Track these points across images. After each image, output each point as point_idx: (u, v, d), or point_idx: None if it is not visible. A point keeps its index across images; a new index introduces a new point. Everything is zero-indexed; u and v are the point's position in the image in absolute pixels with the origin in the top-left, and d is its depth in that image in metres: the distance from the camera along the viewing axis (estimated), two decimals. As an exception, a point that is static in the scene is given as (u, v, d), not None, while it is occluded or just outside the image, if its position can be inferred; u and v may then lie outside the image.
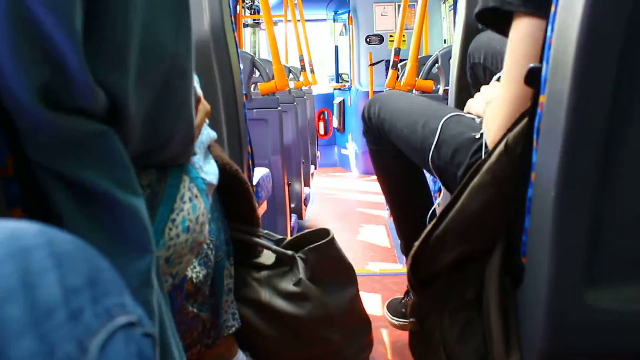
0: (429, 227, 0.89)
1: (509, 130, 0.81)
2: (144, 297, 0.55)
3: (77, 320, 0.31)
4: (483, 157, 0.94)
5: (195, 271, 0.95)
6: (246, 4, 5.63)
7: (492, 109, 0.92)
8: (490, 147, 0.90)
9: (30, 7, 0.45)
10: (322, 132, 6.86)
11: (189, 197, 0.80)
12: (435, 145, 1.16)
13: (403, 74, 2.76)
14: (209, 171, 0.91)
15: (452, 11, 5.15)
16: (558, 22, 0.65)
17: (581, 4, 0.60)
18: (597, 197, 0.68)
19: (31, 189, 0.52)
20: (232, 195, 1.16)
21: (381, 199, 4.13)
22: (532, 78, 0.73)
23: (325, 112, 6.90)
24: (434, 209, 1.54)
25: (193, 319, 0.99)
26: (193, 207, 0.81)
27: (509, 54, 0.87)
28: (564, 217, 0.69)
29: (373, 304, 2.11)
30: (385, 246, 3.21)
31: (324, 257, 1.22)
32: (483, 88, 1.21)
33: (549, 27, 0.67)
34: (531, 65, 0.73)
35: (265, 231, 1.26)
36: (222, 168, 1.04)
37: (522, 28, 0.84)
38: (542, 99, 0.70)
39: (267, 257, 1.27)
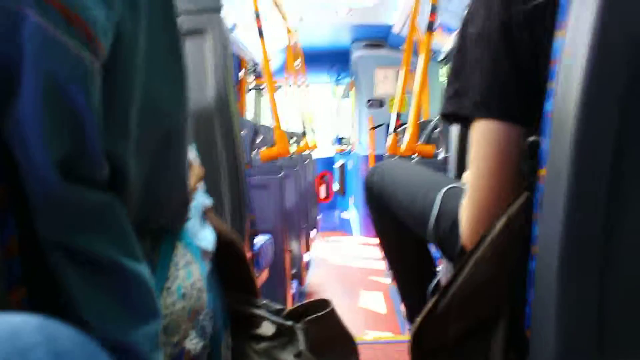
0: (432, 300, 0.88)
1: (509, 205, 0.80)
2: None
3: None
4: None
5: (192, 342, 0.93)
6: (249, 69, 5.74)
7: (463, 206, 0.92)
8: (465, 243, 0.91)
9: (63, 85, 0.47)
10: (322, 195, 6.87)
11: (183, 263, 0.79)
12: (435, 217, 1.17)
13: (404, 138, 2.79)
14: (204, 237, 0.90)
15: (451, 75, 5.22)
16: (557, 98, 0.66)
17: (579, 81, 0.61)
18: (601, 268, 0.67)
19: (36, 267, 0.52)
20: (230, 264, 1.15)
21: (381, 265, 4.12)
22: (531, 152, 0.73)
23: (327, 176, 6.93)
24: (438, 279, 1.53)
25: (191, 394, 0.97)
26: (188, 274, 0.80)
27: (470, 156, 0.88)
28: (568, 289, 0.67)
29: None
30: (385, 313, 3.17)
31: (324, 329, 1.19)
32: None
33: (549, 101, 0.68)
34: (530, 139, 0.73)
35: (265, 301, 1.24)
36: (219, 237, 1.03)
37: (480, 131, 0.85)
38: (543, 172, 0.70)
39: (267, 328, 1.25)
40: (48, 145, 0.47)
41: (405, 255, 1.68)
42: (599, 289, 0.67)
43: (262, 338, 1.22)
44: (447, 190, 1.19)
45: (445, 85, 0.90)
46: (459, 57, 0.87)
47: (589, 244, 0.66)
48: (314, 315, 1.19)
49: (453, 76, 0.88)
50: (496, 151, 0.82)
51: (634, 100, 0.61)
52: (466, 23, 0.86)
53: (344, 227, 6.61)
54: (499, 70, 0.80)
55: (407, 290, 1.75)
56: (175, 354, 0.81)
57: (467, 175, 1.22)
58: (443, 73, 5.83)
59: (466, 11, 0.87)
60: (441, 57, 5.35)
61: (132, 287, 0.55)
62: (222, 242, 1.04)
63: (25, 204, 0.51)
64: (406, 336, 2.31)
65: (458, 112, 0.86)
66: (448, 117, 0.92)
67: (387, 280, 3.71)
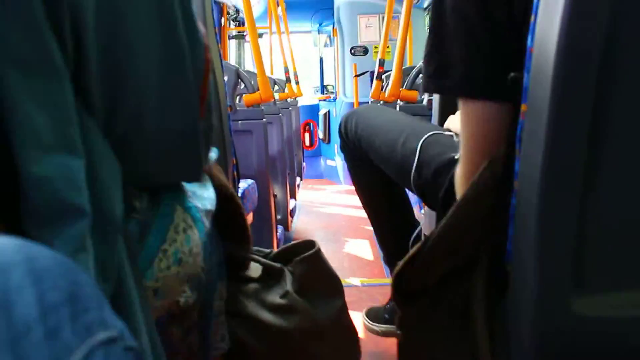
0: (414, 248, 0.89)
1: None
2: (82, 263, 0.49)
3: (54, 338, 0.31)
4: None
5: (184, 295, 0.93)
6: (230, 16, 5.64)
7: (457, 175, 0.92)
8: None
9: None
10: (307, 143, 6.87)
11: (182, 227, 0.77)
12: (416, 166, 1.17)
13: (388, 85, 2.78)
14: (206, 197, 0.88)
15: (435, 22, 5.18)
16: (538, 32, 0.66)
17: (559, 15, 0.61)
18: (581, 202, 0.68)
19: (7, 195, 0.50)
20: (226, 218, 1.14)
21: (367, 211, 4.13)
22: (513, 88, 0.73)
23: (311, 124, 6.92)
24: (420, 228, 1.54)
25: (179, 341, 0.97)
26: (187, 239, 0.78)
27: (460, 130, 0.87)
28: (548, 223, 0.69)
29: (360, 315, 2.11)
30: (370, 259, 3.21)
31: (310, 269, 1.21)
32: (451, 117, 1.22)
33: (529, 37, 0.68)
34: (512, 74, 0.73)
35: (255, 248, 1.25)
36: (219, 193, 1.01)
37: (465, 111, 0.84)
38: (524, 107, 0.70)
39: (254, 270, 1.26)
40: None
41: (383, 203, 1.69)
42: (578, 223, 0.69)
43: (250, 280, 1.23)
44: (427, 137, 1.19)
45: (423, 59, 0.88)
46: (436, 33, 0.84)
47: (569, 177, 0.66)
48: (301, 256, 1.20)
49: (430, 53, 0.85)
50: (485, 130, 0.82)
51: (617, 32, 0.61)
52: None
53: (329, 175, 6.64)
54: (479, 46, 0.78)
55: (386, 237, 1.77)
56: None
57: (450, 122, 1.22)
58: (427, 19, 5.78)
59: None
60: (426, 3, 5.29)
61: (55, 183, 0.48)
62: (222, 198, 1.04)
63: None
64: (389, 279, 2.35)
65: (441, 92, 0.85)
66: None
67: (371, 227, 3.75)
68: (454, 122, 1.18)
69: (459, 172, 0.90)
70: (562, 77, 0.62)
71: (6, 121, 0.46)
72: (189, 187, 0.84)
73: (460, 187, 0.91)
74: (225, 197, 1.08)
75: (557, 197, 0.67)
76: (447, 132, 1.19)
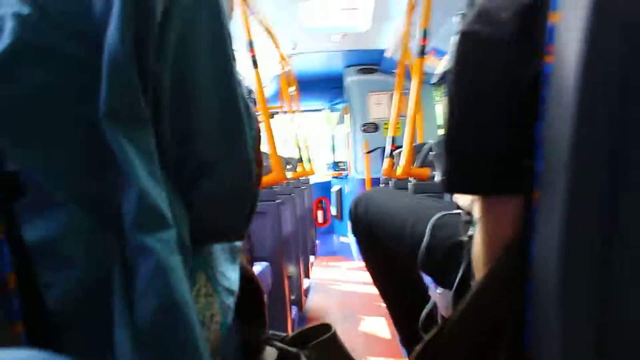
0: (430, 333, 0.88)
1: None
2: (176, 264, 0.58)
3: None
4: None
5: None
6: (244, 97, 5.74)
7: (475, 243, 0.91)
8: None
9: None
10: (320, 220, 6.87)
11: (204, 292, 0.79)
12: (425, 249, 1.17)
13: (399, 162, 2.80)
14: (230, 276, 0.88)
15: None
16: (549, 120, 0.67)
17: (571, 100, 0.62)
18: (599, 286, 0.67)
19: (33, 303, 0.52)
20: (246, 299, 1.14)
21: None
22: (525, 174, 0.74)
23: (324, 201, 6.93)
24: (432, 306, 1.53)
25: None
26: (208, 304, 0.79)
27: (477, 218, 0.87)
28: (568, 310, 0.68)
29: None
30: (387, 337, 3.15)
31: (327, 353, 1.19)
32: None
33: (540, 125, 0.69)
34: (525, 161, 0.74)
35: (271, 332, 1.24)
36: (242, 274, 1.01)
37: (480, 204, 0.84)
38: (537, 194, 0.71)
39: (270, 355, 1.24)
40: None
41: (395, 284, 1.69)
42: (599, 310, 0.68)
43: (265, 365, 1.22)
44: (436, 220, 1.20)
45: (439, 137, 0.87)
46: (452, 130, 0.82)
47: (588, 262, 0.66)
48: (316, 341, 1.19)
49: (445, 149, 0.83)
50: (501, 218, 0.81)
51: (630, 117, 0.62)
52: (454, 81, 0.80)
53: (342, 252, 6.60)
54: (495, 138, 0.77)
55: (400, 317, 1.76)
56: None
57: (461, 200, 1.23)
58: (436, 95, 5.89)
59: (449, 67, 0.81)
60: (434, 79, 5.40)
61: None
62: (244, 279, 1.04)
63: (22, 241, 0.51)
64: (408, 360, 2.30)
65: (458, 192, 0.84)
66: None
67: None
68: (462, 197, 1.19)
69: (476, 252, 0.90)
70: (577, 163, 0.63)
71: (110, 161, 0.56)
72: (219, 267, 0.85)
73: (478, 267, 0.90)
74: (247, 278, 1.08)
75: (576, 285, 0.67)
76: (455, 212, 1.20)
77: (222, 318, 0.84)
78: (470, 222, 1.06)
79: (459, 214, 1.17)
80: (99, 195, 0.58)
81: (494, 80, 0.76)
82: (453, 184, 0.85)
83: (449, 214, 1.21)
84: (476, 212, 1.01)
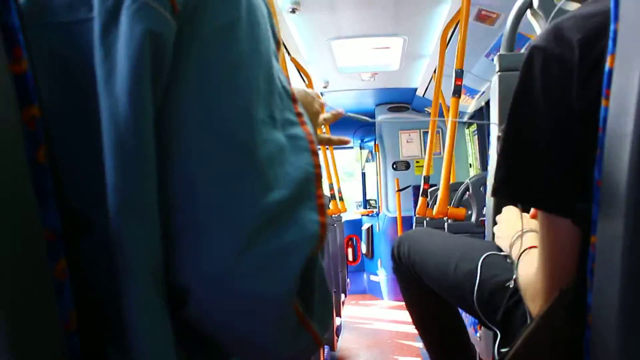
0: None
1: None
2: None
3: None
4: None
5: None
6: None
7: (534, 279, 0.89)
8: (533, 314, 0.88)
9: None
10: (350, 258, 6.83)
11: None
12: (477, 287, 1.17)
13: (433, 202, 2.78)
14: None
15: (476, 136, 5.25)
16: (605, 166, 0.66)
17: (628, 148, 0.62)
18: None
19: (92, 341, 0.52)
20: None
21: (413, 328, 3.99)
22: (580, 218, 0.73)
23: (354, 239, 6.90)
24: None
25: None
26: None
27: (539, 247, 0.85)
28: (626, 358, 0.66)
29: None
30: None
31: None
32: (497, 218, 1.22)
33: (596, 169, 0.68)
34: (580, 205, 0.73)
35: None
36: None
37: (541, 221, 0.82)
38: (594, 239, 0.69)
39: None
40: None
41: (437, 325, 1.67)
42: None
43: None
44: (484, 259, 1.19)
45: (495, 163, 0.86)
46: (510, 139, 0.82)
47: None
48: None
49: (504, 158, 0.83)
50: (563, 245, 0.79)
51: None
52: (518, 100, 0.81)
53: (373, 290, 6.54)
54: (556, 163, 0.76)
55: (438, 356, 1.73)
56: None
57: (497, 237, 1.22)
58: (468, 133, 5.86)
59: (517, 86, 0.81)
60: (465, 118, 5.39)
61: None
62: None
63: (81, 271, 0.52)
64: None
65: (513, 199, 0.84)
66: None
67: (419, 344, 3.63)
68: (502, 239, 1.18)
69: (534, 284, 0.88)
70: (636, 208, 0.62)
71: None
72: None
73: (533, 300, 0.88)
74: None
75: (634, 333, 0.65)
76: (498, 253, 1.20)
77: None
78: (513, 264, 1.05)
79: (505, 256, 1.16)
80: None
81: (555, 99, 0.75)
82: (511, 191, 0.84)
83: (492, 254, 1.20)
84: (514, 255, 0.99)
